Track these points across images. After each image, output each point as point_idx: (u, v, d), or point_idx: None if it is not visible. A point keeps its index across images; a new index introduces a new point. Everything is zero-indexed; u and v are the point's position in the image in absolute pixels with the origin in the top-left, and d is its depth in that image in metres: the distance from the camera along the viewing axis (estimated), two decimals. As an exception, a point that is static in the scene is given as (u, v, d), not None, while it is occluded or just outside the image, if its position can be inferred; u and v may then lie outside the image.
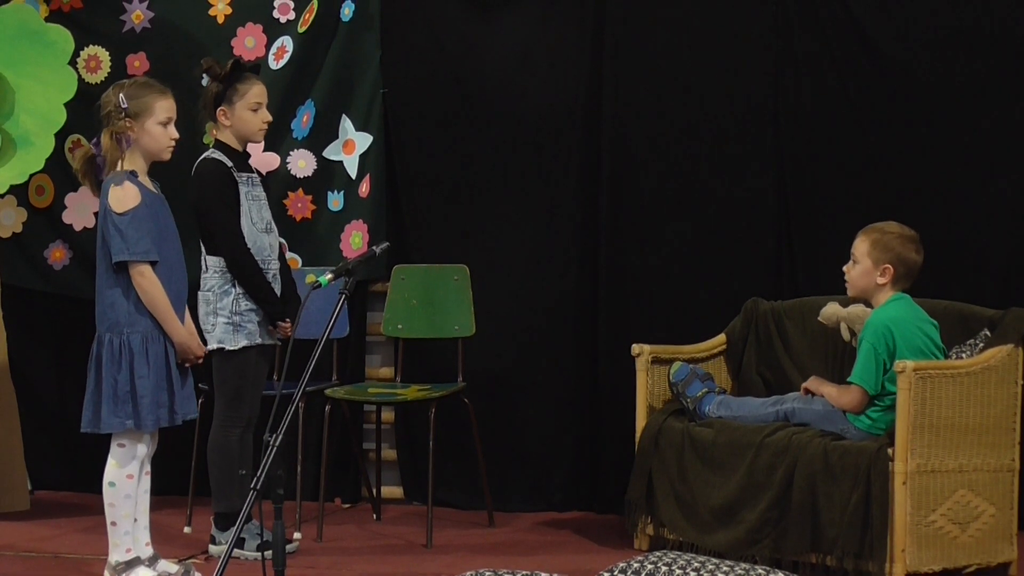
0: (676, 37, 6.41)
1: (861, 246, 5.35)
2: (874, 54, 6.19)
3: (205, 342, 5.47)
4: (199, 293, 5.61)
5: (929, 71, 6.13)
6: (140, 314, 5.07)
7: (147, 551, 5.19)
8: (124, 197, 5.04)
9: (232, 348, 5.56)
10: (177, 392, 5.12)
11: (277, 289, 5.65)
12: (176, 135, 5.16)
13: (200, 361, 5.24)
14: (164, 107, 5.13)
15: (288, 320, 5.62)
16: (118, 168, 5.10)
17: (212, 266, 5.59)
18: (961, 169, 6.09)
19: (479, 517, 6.35)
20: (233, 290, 5.56)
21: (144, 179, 5.14)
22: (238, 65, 5.67)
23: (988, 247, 6.06)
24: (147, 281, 5.05)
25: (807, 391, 5.44)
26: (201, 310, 5.60)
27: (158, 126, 5.11)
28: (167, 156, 5.18)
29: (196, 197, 5.60)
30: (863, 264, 5.34)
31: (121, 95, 5.09)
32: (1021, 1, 6.03)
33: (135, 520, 5.14)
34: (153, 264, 5.05)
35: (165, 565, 5.21)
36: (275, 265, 5.69)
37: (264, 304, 5.58)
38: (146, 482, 5.19)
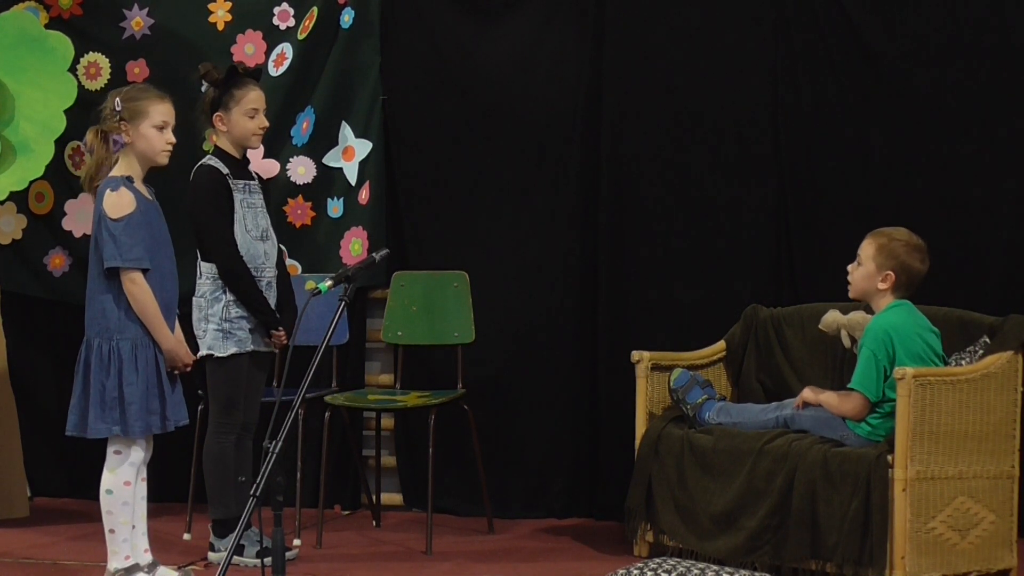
0: (675, 43, 6.41)
1: (867, 249, 5.34)
2: (873, 60, 6.19)
3: (198, 348, 5.46)
4: (193, 299, 5.60)
5: (929, 77, 6.13)
6: (130, 320, 5.06)
7: (146, 558, 5.18)
8: (120, 203, 5.03)
9: (221, 355, 5.54)
10: (168, 399, 5.11)
11: (272, 297, 5.63)
12: (173, 139, 5.14)
13: (188, 369, 5.22)
14: (160, 111, 5.12)
15: (282, 329, 5.61)
16: (114, 170, 5.09)
17: (206, 272, 5.58)
18: (961, 175, 6.09)
19: (479, 524, 6.34)
20: (224, 297, 5.54)
21: (139, 185, 5.13)
22: (234, 70, 5.65)
23: (988, 253, 6.06)
24: (138, 288, 5.04)
25: (804, 404, 5.41)
26: (194, 315, 5.58)
27: (152, 129, 5.10)
28: (163, 160, 5.17)
29: (190, 204, 5.59)
30: (866, 267, 5.33)
31: (117, 99, 5.10)
32: (1020, 6, 6.03)
33: (133, 527, 5.13)
34: (145, 271, 5.05)
35: (164, 572, 5.20)
36: (270, 273, 5.66)
37: (257, 313, 5.56)
38: (142, 488, 5.18)
